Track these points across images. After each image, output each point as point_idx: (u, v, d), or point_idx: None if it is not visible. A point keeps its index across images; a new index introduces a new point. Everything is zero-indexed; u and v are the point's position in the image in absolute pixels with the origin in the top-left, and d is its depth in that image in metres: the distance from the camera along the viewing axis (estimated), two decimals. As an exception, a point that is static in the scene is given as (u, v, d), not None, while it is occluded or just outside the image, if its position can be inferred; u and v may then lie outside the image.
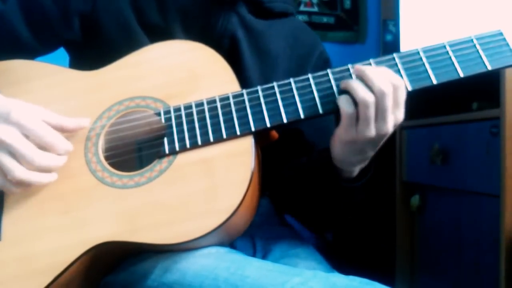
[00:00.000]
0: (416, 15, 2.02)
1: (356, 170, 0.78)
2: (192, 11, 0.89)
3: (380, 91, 0.68)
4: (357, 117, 0.70)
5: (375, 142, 0.72)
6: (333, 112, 0.75)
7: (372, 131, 0.70)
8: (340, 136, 0.73)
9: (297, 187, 0.89)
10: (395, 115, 0.71)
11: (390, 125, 0.70)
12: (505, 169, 1.40)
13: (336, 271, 0.78)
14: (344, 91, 0.72)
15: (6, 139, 0.69)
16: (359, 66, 0.73)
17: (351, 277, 0.66)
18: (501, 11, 1.57)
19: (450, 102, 1.68)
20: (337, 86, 0.75)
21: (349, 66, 0.76)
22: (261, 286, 0.64)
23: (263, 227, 0.93)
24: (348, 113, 0.70)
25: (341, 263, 0.98)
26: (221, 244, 0.74)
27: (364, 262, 1.77)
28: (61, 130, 0.75)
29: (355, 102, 0.70)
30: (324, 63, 0.98)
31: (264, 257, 0.85)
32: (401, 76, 0.74)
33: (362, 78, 0.71)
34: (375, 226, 2.09)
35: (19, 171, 0.70)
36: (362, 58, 0.77)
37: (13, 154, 0.70)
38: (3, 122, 0.69)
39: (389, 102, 0.69)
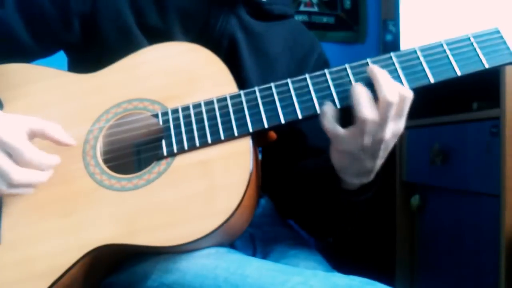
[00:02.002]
0: (416, 15, 2.02)
1: (357, 183, 0.77)
2: (191, 12, 0.89)
3: (386, 101, 0.69)
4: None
5: (372, 150, 0.72)
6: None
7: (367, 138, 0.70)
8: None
9: (300, 192, 0.88)
10: (396, 125, 0.72)
11: (387, 134, 0.71)
12: (505, 169, 1.40)
13: (336, 271, 0.78)
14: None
15: None
16: (375, 69, 0.72)
17: (352, 277, 0.66)
18: (500, 11, 1.57)
19: (450, 102, 1.68)
20: (335, 86, 0.75)
21: (346, 65, 0.76)
22: (261, 285, 0.64)
23: (263, 227, 0.93)
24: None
25: (341, 263, 0.98)
26: (220, 245, 0.74)
27: (364, 262, 1.77)
28: (43, 137, 0.74)
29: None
30: (324, 64, 0.98)
31: (264, 257, 0.85)
32: (398, 75, 0.74)
33: (372, 81, 0.71)
34: (375, 226, 2.09)
35: (2, 186, 0.70)
36: (362, 58, 0.77)
37: None
38: None
39: (392, 112, 0.69)
